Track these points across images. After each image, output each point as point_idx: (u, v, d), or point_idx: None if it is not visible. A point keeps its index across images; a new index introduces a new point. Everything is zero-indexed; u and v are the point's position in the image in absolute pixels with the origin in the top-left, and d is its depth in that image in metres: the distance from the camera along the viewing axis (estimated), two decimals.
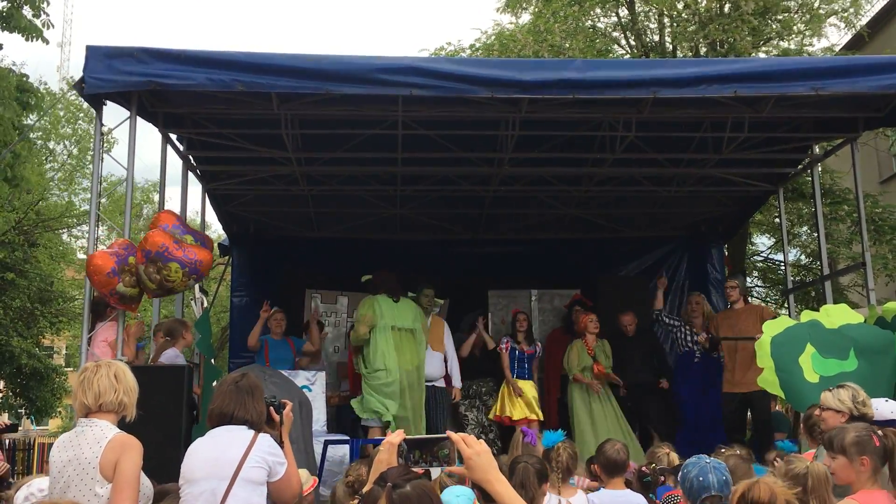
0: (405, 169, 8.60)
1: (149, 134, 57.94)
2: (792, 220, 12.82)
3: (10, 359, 15.31)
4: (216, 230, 17.73)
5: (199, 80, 6.13)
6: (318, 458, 6.64)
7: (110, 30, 77.75)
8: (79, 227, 18.28)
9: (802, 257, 14.60)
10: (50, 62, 43.19)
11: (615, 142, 7.95)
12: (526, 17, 13.91)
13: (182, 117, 7.65)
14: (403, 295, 7.80)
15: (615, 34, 13.59)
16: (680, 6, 12.36)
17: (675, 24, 12.69)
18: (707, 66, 7.15)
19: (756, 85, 6.48)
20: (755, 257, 15.29)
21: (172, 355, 6.58)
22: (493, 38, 13.29)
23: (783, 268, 11.08)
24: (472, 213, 10.23)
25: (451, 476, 3.49)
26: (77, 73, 16.99)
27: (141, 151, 24.53)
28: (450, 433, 2.30)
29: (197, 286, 8.45)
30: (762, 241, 15.89)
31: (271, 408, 3.75)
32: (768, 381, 6.43)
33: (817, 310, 7.06)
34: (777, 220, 12.02)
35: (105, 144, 6.90)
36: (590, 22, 13.25)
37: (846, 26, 12.83)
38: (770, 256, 15.33)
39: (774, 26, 12.05)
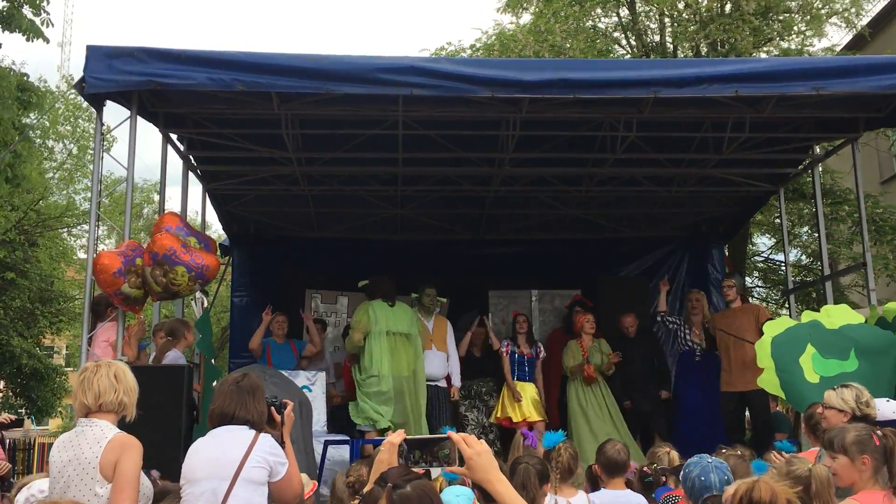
0: (406, 169, 8.59)
1: (149, 134, 58.06)
2: (793, 221, 12.81)
3: (10, 359, 15.31)
4: (216, 230, 17.74)
5: (200, 79, 6.13)
6: (318, 458, 6.64)
7: (111, 30, 77.81)
8: (79, 227, 18.29)
9: (803, 258, 14.59)
10: (50, 62, 43.20)
11: (616, 142, 7.95)
12: (526, 18, 13.91)
13: (182, 117, 7.65)
14: (399, 296, 7.80)
15: (616, 34, 13.58)
16: (681, 6, 12.36)
17: (675, 24, 12.68)
18: (708, 65, 7.16)
19: (757, 85, 6.48)
20: (756, 257, 15.28)
21: (175, 357, 6.57)
22: (493, 38, 13.28)
23: (784, 268, 11.07)
24: (473, 214, 10.23)
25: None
26: (77, 72, 17.06)
27: (141, 151, 24.52)
28: (450, 433, 2.30)
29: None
30: (763, 242, 15.90)
31: (272, 408, 3.75)
32: (769, 381, 6.43)
33: (818, 310, 7.06)
34: (778, 220, 12.02)
35: (104, 143, 6.90)
36: (590, 22, 13.24)
37: (846, 26, 12.83)
38: (771, 257, 15.32)
39: (775, 26, 12.04)
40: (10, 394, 17.34)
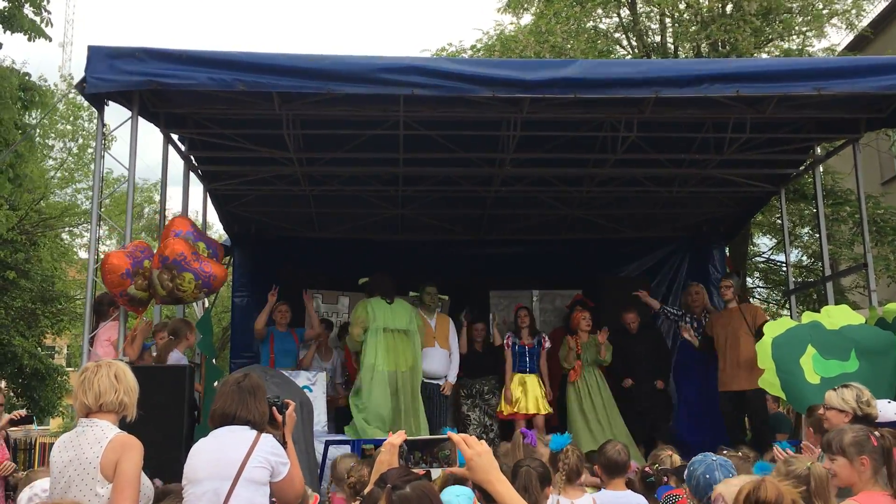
0: (407, 169, 8.59)
1: (149, 134, 58.04)
2: (794, 221, 12.81)
3: (11, 359, 15.31)
4: (217, 230, 17.73)
5: (201, 80, 6.13)
6: (319, 458, 6.64)
7: (112, 30, 77.85)
8: (79, 227, 18.28)
9: (804, 258, 14.59)
10: (52, 62, 43.35)
11: (617, 142, 7.95)
12: (527, 18, 13.91)
13: (183, 117, 7.65)
14: (400, 295, 7.80)
15: (617, 35, 13.57)
16: (682, 6, 12.36)
17: (676, 25, 12.69)
18: (709, 65, 7.18)
19: (758, 85, 6.47)
20: (757, 258, 15.27)
21: (176, 357, 6.58)
22: (494, 38, 13.28)
23: (785, 269, 11.08)
24: (474, 214, 10.23)
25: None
26: (79, 72, 17.02)
27: (142, 151, 24.48)
28: (451, 434, 2.31)
29: None
30: (764, 242, 15.90)
31: (274, 408, 3.75)
32: (770, 382, 6.44)
33: (818, 311, 7.06)
34: (779, 220, 12.01)
35: (105, 142, 6.91)
36: (591, 23, 13.23)
37: (847, 27, 12.82)
38: (772, 257, 15.33)
39: (777, 27, 12.03)
40: (12, 394, 17.32)
